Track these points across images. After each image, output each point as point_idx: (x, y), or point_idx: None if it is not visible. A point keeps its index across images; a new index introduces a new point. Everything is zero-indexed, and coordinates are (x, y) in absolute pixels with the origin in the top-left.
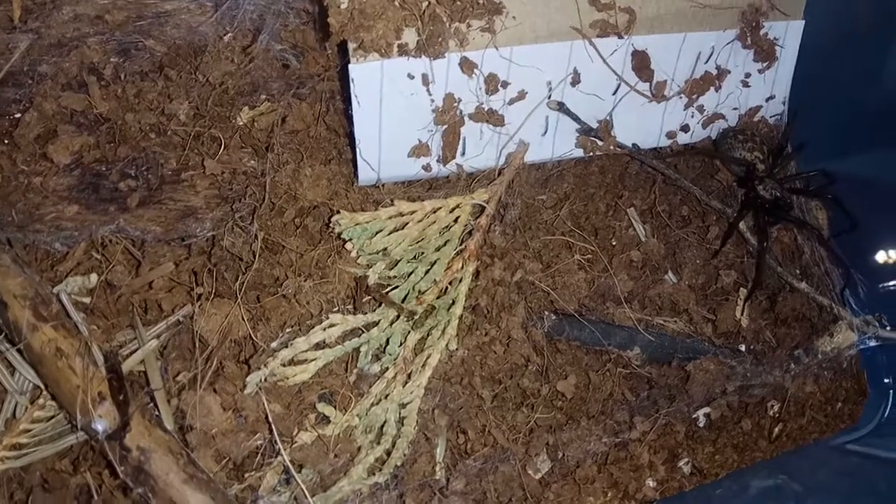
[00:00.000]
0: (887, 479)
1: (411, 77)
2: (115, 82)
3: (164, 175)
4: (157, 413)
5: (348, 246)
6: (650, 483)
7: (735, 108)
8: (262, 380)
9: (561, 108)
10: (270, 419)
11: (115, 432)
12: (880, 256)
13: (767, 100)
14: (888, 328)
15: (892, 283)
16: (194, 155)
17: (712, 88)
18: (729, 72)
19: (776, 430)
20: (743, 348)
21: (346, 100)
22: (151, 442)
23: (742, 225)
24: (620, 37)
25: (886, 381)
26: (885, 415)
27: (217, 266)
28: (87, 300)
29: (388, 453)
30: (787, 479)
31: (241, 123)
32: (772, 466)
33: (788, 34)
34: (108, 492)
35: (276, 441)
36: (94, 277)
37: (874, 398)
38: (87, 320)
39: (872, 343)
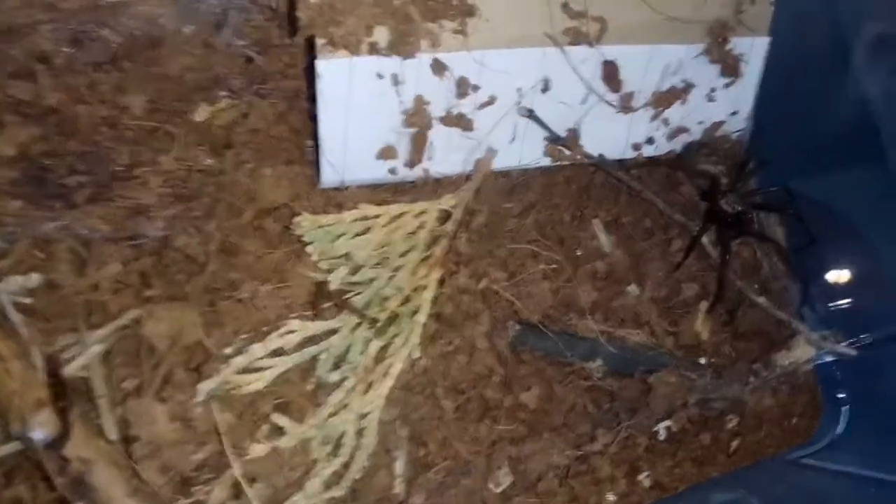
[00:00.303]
0: (839, 493)
1: (381, 77)
2: (65, 73)
3: (115, 171)
4: (99, 422)
5: (309, 249)
6: (610, 497)
7: (700, 122)
8: (214, 388)
9: (530, 115)
10: (221, 430)
11: (54, 441)
12: (834, 275)
13: (731, 115)
14: (843, 344)
15: (843, 301)
16: (148, 151)
17: (678, 102)
18: (695, 86)
19: (734, 444)
20: (703, 361)
21: (310, 99)
22: (93, 452)
23: (704, 238)
24: (591, 45)
25: (841, 395)
26: (839, 430)
27: (168, 268)
28: (27, 300)
29: (346, 466)
30: (745, 493)
31: (198, 120)
32: (731, 480)
33: (753, 51)
34: None
35: (226, 453)
36: (35, 277)
37: (829, 412)
38: (27, 322)
39: (828, 358)
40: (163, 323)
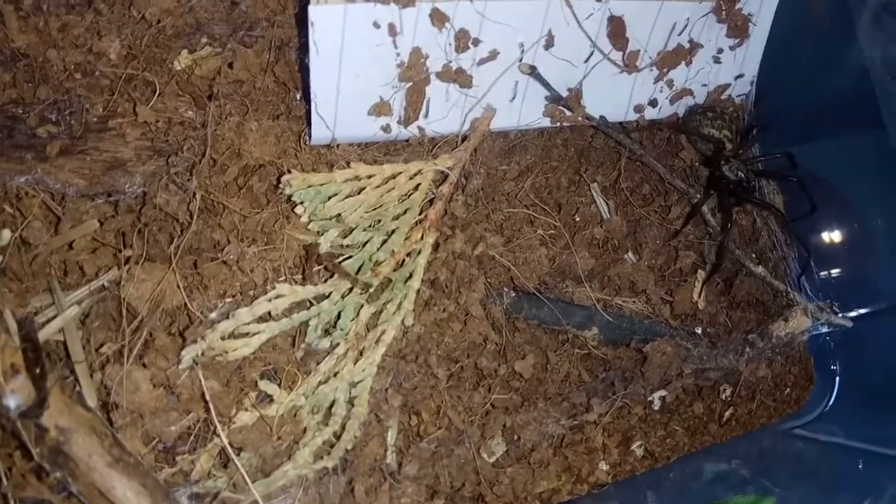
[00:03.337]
0: (827, 462)
1: (377, 26)
2: (35, 14)
3: (90, 121)
4: (78, 388)
5: (298, 210)
6: (603, 466)
7: (704, 85)
8: (199, 354)
9: (532, 72)
10: (207, 397)
11: (29, 409)
12: (830, 247)
13: (736, 78)
14: (840, 315)
15: (836, 273)
16: (124, 100)
17: (683, 62)
18: (701, 46)
19: (727, 414)
20: (699, 331)
21: (300, 49)
22: (72, 421)
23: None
24: None
25: (833, 367)
26: (831, 401)
27: (148, 226)
28: None
29: (337, 436)
30: (737, 463)
31: (178, 68)
32: (723, 450)
33: (762, 11)
34: (19, 476)
35: (212, 421)
36: (6, 234)
37: (820, 384)
38: None
39: (824, 329)
40: (143, 285)
